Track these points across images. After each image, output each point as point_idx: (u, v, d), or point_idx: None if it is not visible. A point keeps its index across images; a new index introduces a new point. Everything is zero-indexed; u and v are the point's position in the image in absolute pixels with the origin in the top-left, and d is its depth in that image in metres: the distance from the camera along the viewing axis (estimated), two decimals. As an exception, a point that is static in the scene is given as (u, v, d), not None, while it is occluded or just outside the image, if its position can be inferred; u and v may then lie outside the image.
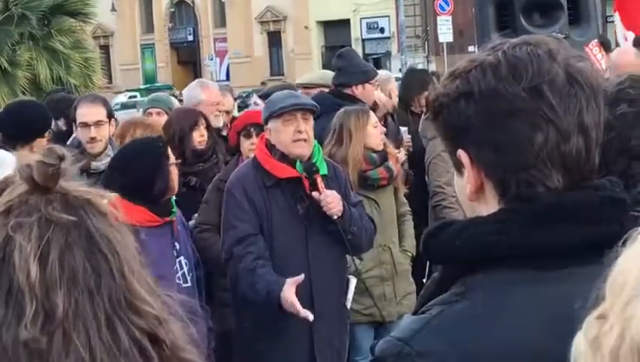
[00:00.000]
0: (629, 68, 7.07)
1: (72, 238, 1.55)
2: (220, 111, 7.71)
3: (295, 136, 5.52)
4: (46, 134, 6.39)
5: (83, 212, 1.57)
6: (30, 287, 1.51)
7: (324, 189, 5.56)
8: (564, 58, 1.85)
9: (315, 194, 5.54)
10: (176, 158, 5.64)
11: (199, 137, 6.69)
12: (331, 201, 5.55)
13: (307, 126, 5.58)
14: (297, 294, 5.37)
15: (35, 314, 1.50)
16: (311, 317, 5.30)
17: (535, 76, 1.81)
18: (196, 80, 8.76)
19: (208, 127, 6.85)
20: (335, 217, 5.57)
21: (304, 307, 5.37)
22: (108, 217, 1.59)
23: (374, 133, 6.70)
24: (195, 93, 7.74)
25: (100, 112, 6.53)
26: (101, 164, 6.19)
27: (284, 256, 5.54)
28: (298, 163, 5.55)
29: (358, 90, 7.97)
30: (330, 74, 8.80)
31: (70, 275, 1.53)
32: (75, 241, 1.55)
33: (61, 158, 1.58)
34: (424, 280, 9.58)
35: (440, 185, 7.45)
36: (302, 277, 5.33)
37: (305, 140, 5.55)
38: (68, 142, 6.86)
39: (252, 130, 6.48)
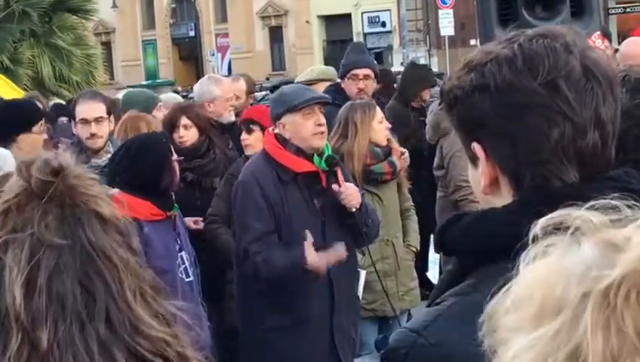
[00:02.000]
0: (637, 60, 7.11)
1: (64, 261, 1.49)
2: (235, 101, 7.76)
3: (316, 129, 5.54)
4: (34, 129, 6.36)
5: (80, 226, 1.51)
6: (16, 316, 1.45)
7: (344, 182, 5.59)
8: (581, 50, 1.83)
9: (335, 186, 5.56)
10: None
11: (178, 138, 6.67)
12: (351, 193, 5.58)
13: (323, 119, 5.63)
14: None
15: (19, 347, 1.44)
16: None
17: (551, 70, 1.79)
18: (206, 76, 8.77)
19: (199, 125, 6.83)
20: (354, 209, 5.59)
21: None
22: (109, 225, 1.54)
23: (379, 128, 6.70)
24: (209, 89, 7.75)
25: (99, 108, 6.53)
26: (101, 160, 6.19)
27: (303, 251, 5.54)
28: (316, 157, 5.56)
29: (344, 84, 8.02)
30: (329, 69, 8.82)
31: (59, 304, 1.47)
32: (66, 265, 1.49)
33: (57, 172, 1.54)
34: (427, 274, 9.61)
35: (465, 179, 7.44)
36: (310, 238, 5.42)
37: (323, 133, 5.60)
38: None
39: (251, 125, 6.49)
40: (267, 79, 45.26)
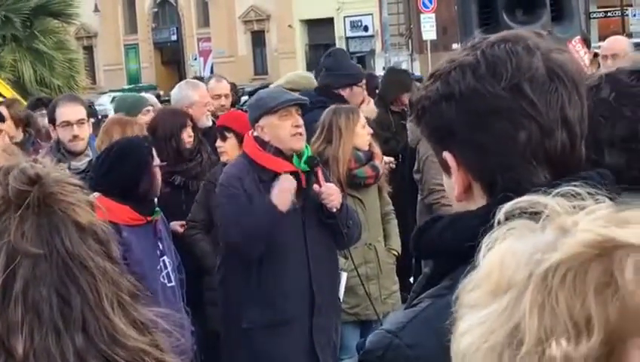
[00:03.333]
0: (614, 51, 7.23)
1: (40, 270, 1.48)
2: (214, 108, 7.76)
3: (293, 130, 5.57)
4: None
5: (57, 234, 1.51)
6: None
7: (325, 182, 5.60)
8: (544, 52, 1.84)
9: (315, 186, 5.59)
10: (162, 158, 5.66)
11: (187, 137, 6.71)
12: (332, 193, 5.61)
13: (301, 120, 5.64)
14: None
15: None
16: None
17: (514, 74, 1.80)
18: (184, 81, 8.79)
19: (194, 127, 6.88)
20: (334, 210, 5.61)
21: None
22: (87, 233, 1.53)
23: (362, 133, 6.74)
24: (187, 93, 7.77)
25: (81, 111, 6.57)
26: (80, 163, 6.20)
27: (284, 251, 5.58)
28: (295, 157, 5.58)
29: (345, 93, 7.97)
30: (305, 75, 8.82)
31: (34, 313, 1.46)
32: (43, 274, 1.48)
33: (34, 180, 1.53)
34: (410, 280, 9.62)
35: (438, 183, 7.48)
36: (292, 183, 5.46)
37: (301, 134, 5.61)
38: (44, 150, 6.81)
39: (225, 132, 6.48)
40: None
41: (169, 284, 5.39)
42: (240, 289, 5.63)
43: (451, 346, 1.20)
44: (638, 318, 1.09)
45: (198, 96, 7.69)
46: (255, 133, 5.68)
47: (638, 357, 1.09)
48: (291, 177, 5.52)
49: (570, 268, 1.09)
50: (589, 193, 1.19)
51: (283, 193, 5.47)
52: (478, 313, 1.15)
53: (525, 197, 1.19)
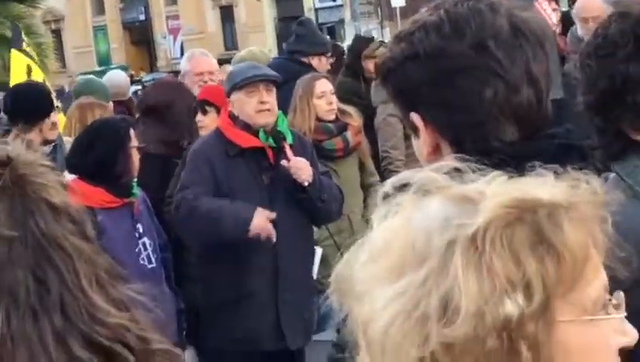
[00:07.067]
0: (596, 12, 7.19)
1: (15, 253, 1.47)
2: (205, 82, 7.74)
3: (258, 106, 5.54)
4: (52, 115, 6.43)
5: (31, 216, 1.49)
6: None
7: (293, 156, 5.56)
8: (507, 9, 1.85)
9: (283, 162, 5.54)
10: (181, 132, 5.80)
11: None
12: (301, 168, 5.56)
13: (270, 97, 5.61)
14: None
15: None
16: (274, 238, 5.42)
17: (478, 31, 1.81)
18: (189, 50, 8.87)
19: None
20: (306, 184, 5.56)
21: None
22: (61, 213, 1.52)
23: (318, 103, 6.72)
24: (182, 63, 7.96)
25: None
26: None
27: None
28: (261, 132, 5.55)
29: (314, 61, 7.99)
30: (263, 50, 8.87)
31: (10, 296, 1.45)
32: (18, 256, 1.47)
33: (6, 163, 1.51)
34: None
35: (386, 150, 7.51)
36: (272, 214, 5.40)
37: (268, 110, 5.56)
38: None
39: (206, 107, 6.46)
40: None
41: (149, 266, 5.37)
42: (208, 266, 5.64)
43: (358, 326, 1.19)
44: (574, 274, 1.11)
45: (189, 66, 7.77)
46: (229, 108, 5.69)
47: (571, 313, 1.11)
48: (265, 212, 5.44)
49: (496, 229, 1.10)
50: (471, 169, 1.21)
51: (258, 229, 5.43)
52: (389, 287, 1.14)
53: (405, 173, 1.21)
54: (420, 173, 1.20)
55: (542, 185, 1.15)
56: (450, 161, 1.24)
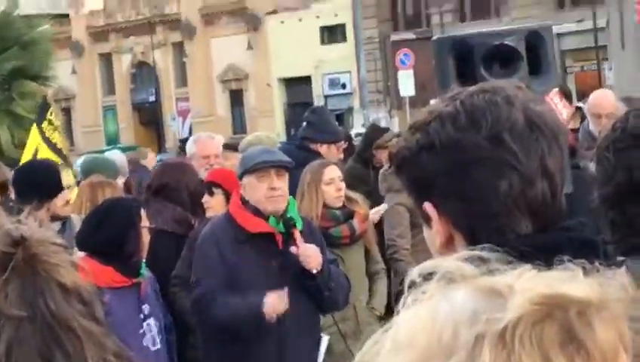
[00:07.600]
0: (609, 109, 7.28)
1: (24, 333, 1.47)
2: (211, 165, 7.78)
3: (269, 193, 5.52)
4: (65, 192, 6.45)
5: (41, 296, 1.49)
6: None
7: (302, 243, 5.53)
8: (523, 103, 1.85)
9: (293, 248, 5.50)
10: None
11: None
12: (310, 255, 5.51)
13: (281, 182, 5.58)
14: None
15: None
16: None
17: (494, 124, 1.81)
18: (196, 134, 9.02)
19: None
20: (314, 271, 5.51)
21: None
22: (71, 294, 1.51)
23: (327, 190, 6.68)
24: (190, 146, 8.16)
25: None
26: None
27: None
28: (272, 218, 5.53)
29: (322, 149, 8.00)
30: (270, 135, 8.94)
31: None
32: (26, 336, 1.47)
33: (18, 242, 1.52)
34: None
35: (392, 238, 7.48)
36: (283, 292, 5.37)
37: (280, 196, 5.55)
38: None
39: (213, 188, 6.48)
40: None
41: (153, 348, 5.32)
42: (214, 351, 5.59)
43: None
44: None
45: (196, 149, 7.95)
46: (241, 191, 5.68)
47: None
48: (274, 296, 5.41)
49: (526, 327, 1.08)
50: (496, 259, 1.19)
51: (271, 307, 5.41)
52: None
53: (432, 261, 1.19)
54: (446, 261, 1.18)
55: (571, 281, 1.13)
56: (477, 250, 1.22)
